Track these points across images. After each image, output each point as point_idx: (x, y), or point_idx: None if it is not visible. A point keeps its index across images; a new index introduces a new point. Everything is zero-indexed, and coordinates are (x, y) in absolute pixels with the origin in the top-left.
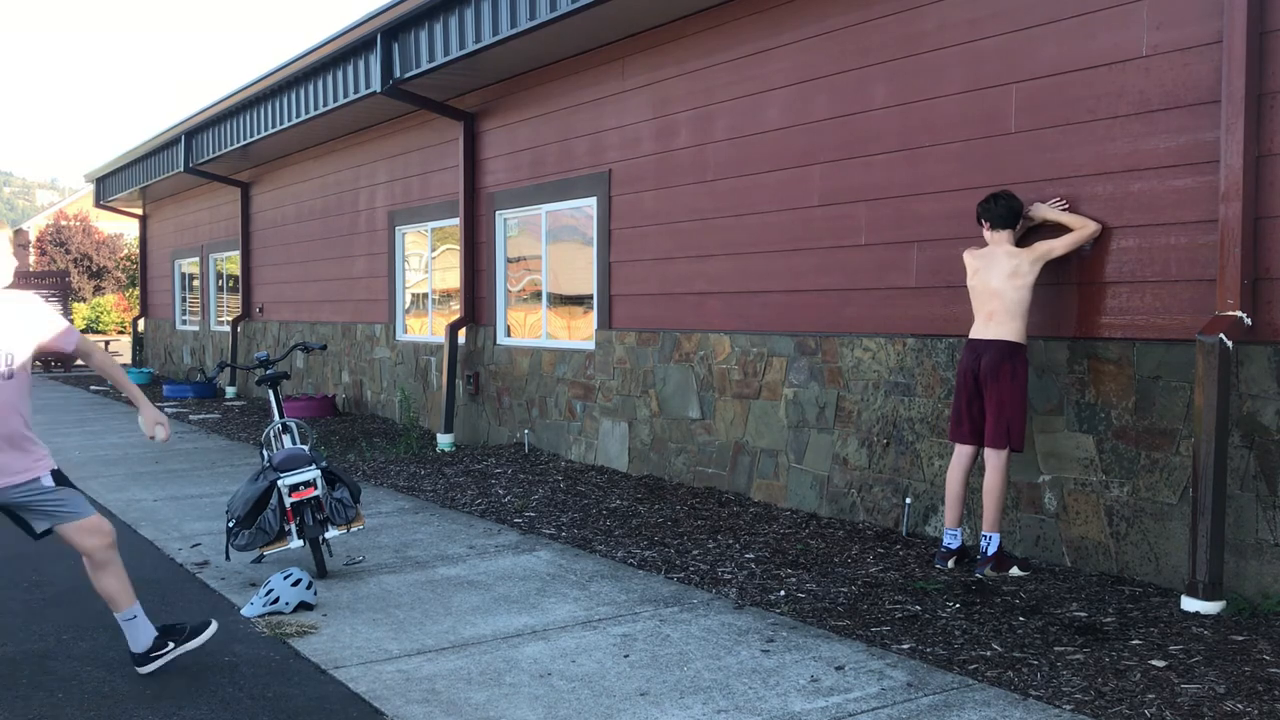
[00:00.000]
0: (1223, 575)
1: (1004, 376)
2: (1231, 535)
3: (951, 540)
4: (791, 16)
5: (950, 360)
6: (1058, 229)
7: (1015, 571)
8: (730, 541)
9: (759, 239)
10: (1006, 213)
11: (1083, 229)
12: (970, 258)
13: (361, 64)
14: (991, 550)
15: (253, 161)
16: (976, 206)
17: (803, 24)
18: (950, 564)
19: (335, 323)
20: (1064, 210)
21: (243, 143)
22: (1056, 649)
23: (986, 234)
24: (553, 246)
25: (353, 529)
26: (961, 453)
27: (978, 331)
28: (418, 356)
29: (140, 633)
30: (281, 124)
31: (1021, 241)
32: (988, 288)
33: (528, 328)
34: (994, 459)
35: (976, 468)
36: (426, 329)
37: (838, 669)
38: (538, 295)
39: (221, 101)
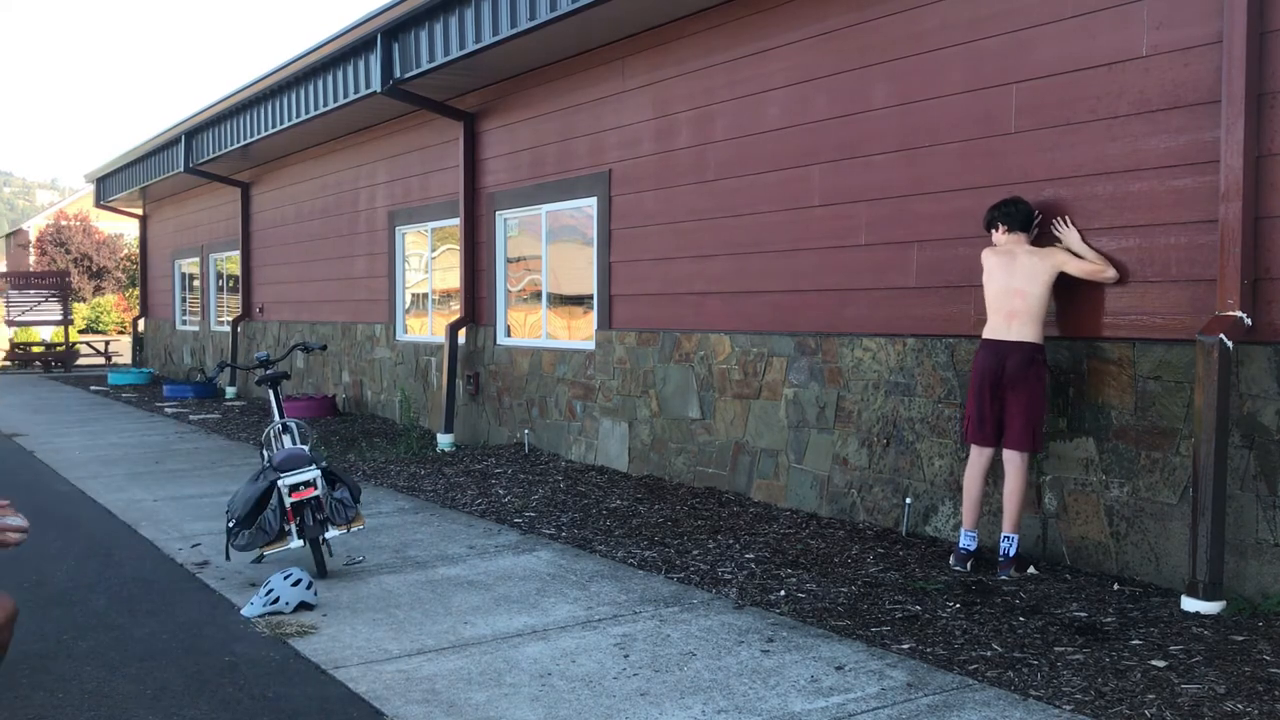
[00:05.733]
0: (1223, 575)
1: (1030, 379)
2: (1231, 535)
3: (970, 542)
4: (791, 16)
5: (950, 360)
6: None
7: (1031, 570)
8: (730, 541)
9: (759, 239)
10: (1025, 216)
11: (1101, 270)
12: (989, 256)
13: (361, 64)
14: (1014, 552)
15: (253, 161)
16: (989, 212)
17: (802, 24)
18: (968, 566)
19: (335, 323)
20: (1091, 249)
21: (243, 143)
22: (1056, 649)
23: (1001, 236)
24: (553, 246)
25: (353, 529)
26: (982, 454)
27: (997, 332)
28: (418, 356)
29: None
30: (281, 124)
31: (1036, 242)
32: (1010, 287)
33: (528, 328)
34: (1018, 461)
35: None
36: (426, 329)
37: (838, 669)
38: (538, 295)
39: (221, 101)
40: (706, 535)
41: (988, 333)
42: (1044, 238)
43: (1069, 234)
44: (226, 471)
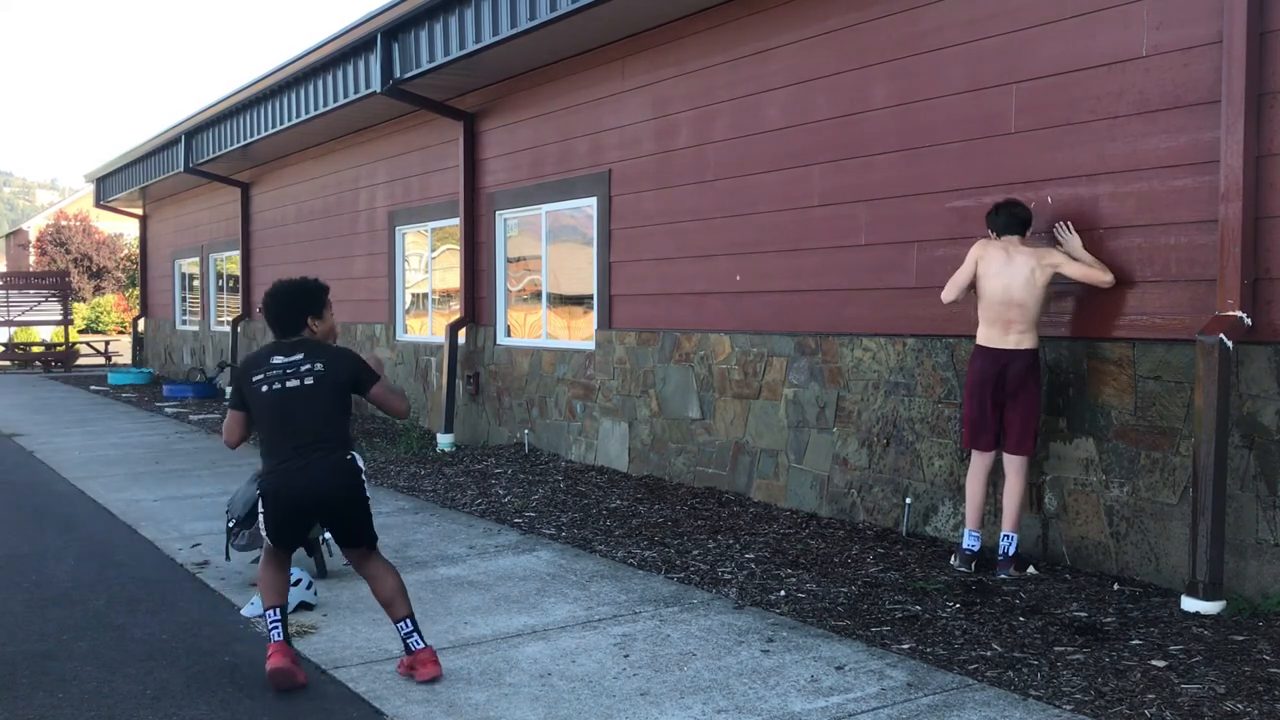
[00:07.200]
0: (1223, 575)
1: (1030, 386)
2: (1231, 535)
3: (974, 542)
4: (791, 16)
5: (950, 360)
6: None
7: (1031, 570)
8: (730, 541)
9: (759, 239)
10: (1009, 220)
11: (1100, 275)
12: (985, 249)
13: (361, 64)
14: (1013, 550)
15: (253, 161)
16: (987, 216)
17: (802, 24)
18: (972, 566)
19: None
20: (1090, 255)
21: (243, 143)
22: (1056, 649)
23: (995, 237)
24: (553, 246)
25: None
26: (985, 460)
27: (995, 340)
28: (418, 356)
29: None
30: (281, 124)
31: (1031, 240)
32: (1009, 296)
33: (528, 328)
34: (1018, 464)
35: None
36: (426, 329)
37: (838, 669)
38: (538, 295)
39: (221, 101)
40: (706, 535)
41: (983, 340)
42: (1045, 239)
43: (1071, 239)
44: (227, 471)
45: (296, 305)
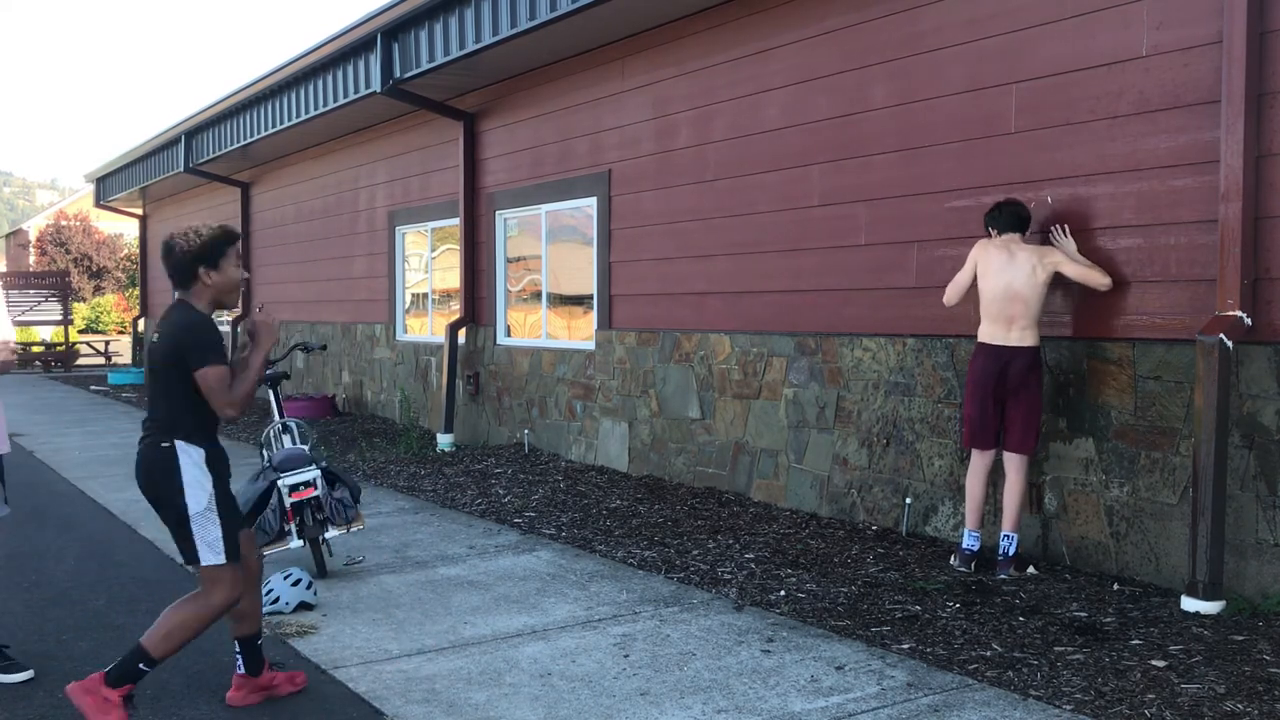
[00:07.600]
0: (1223, 575)
1: (1033, 384)
2: (1231, 535)
3: (974, 542)
4: (791, 16)
5: (950, 360)
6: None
7: (1031, 570)
8: (730, 541)
9: (759, 239)
10: (1010, 219)
11: (1098, 276)
12: (985, 249)
13: (361, 64)
14: (1013, 551)
15: (253, 161)
16: (985, 216)
17: (802, 24)
18: (972, 566)
19: (335, 323)
20: (1085, 259)
21: (243, 143)
22: (1056, 649)
23: (996, 236)
24: (553, 246)
25: (353, 529)
26: (984, 458)
27: (998, 338)
28: (418, 356)
29: None
30: (281, 124)
31: (1030, 240)
32: (1011, 291)
33: (528, 328)
34: (1018, 463)
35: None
36: (426, 329)
37: (838, 669)
38: (538, 295)
39: (221, 101)
40: (706, 535)
41: (985, 338)
42: (1041, 240)
43: (1066, 244)
44: None
45: (188, 253)
